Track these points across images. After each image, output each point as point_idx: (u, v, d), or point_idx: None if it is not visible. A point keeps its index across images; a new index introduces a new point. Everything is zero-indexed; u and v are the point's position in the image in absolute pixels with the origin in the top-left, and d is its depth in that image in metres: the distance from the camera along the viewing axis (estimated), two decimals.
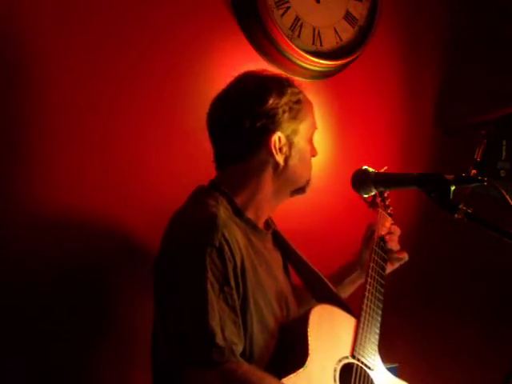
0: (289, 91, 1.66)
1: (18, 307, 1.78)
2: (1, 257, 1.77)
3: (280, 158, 1.64)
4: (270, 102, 1.63)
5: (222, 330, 1.43)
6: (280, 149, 1.64)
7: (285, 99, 1.64)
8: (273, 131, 1.63)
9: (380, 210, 1.89)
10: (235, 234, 1.54)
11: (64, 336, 1.84)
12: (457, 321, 2.64)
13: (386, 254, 1.81)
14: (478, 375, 2.57)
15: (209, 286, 1.44)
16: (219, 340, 1.41)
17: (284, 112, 1.64)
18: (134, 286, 1.92)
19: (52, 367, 1.82)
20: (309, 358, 1.50)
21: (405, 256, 1.86)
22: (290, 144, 1.66)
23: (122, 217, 1.94)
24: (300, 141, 1.67)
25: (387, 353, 1.72)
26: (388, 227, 1.86)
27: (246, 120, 1.63)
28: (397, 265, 1.87)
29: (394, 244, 1.83)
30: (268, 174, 1.65)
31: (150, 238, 1.75)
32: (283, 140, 1.64)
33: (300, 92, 1.70)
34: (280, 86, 1.66)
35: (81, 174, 1.89)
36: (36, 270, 1.81)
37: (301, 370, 1.48)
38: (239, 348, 1.46)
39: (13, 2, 1.80)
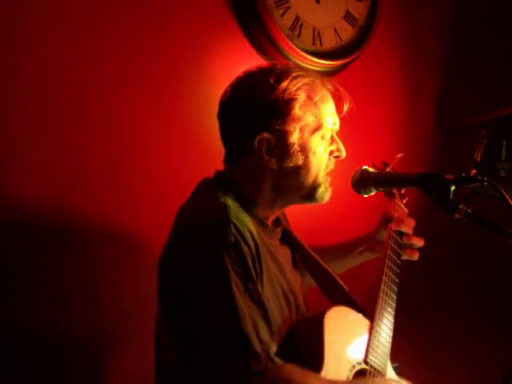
0: (278, 89, 1.53)
1: (18, 307, 1.79)
2: (1, 259, 1.77)
3: (271, 161, 1.54)
4: (255, 102, 1.53)
5: (257, 332, 1.36)
6: (271, 151, 1.54)
7: (270, 98, 1.52)
8: (258, 132, 1.53)
9: (396, 201, 1.84)
10: (246, 223, 1.46)
11: (63, 337, 1.84)
12: (457, 321, 2.64)
13: (401, 249, 1.74)
14: (479, 375, 2.57)
15: (234, 288, 1.37)
16: (255, 345, 1.35)
17: (270, 112, 1.52)
18: (136, 284, 1.92)
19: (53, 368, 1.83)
20: (324, 369, 1.44)
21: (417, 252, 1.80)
22: (284, 145, 1.53)
23: (124, 216, 1.94)
24: (299, 142, 1.54)
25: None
26: (402, 218, 1.79)
27: (234, 121, 1.58)
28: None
29: (409, 236, 1.78)
30: (266, 178, 1.56)
31: (151, 237, 1.75)
32: (273, 141, 1.53)
33: (299, 88, 1.54)
34: (269, 84, 1.53)
35: (82, 174, 1.90)
36: (38, 271, 1.81)
37: None
38: (274, 348, 1.39)
39: (13, 1, 1.81)
